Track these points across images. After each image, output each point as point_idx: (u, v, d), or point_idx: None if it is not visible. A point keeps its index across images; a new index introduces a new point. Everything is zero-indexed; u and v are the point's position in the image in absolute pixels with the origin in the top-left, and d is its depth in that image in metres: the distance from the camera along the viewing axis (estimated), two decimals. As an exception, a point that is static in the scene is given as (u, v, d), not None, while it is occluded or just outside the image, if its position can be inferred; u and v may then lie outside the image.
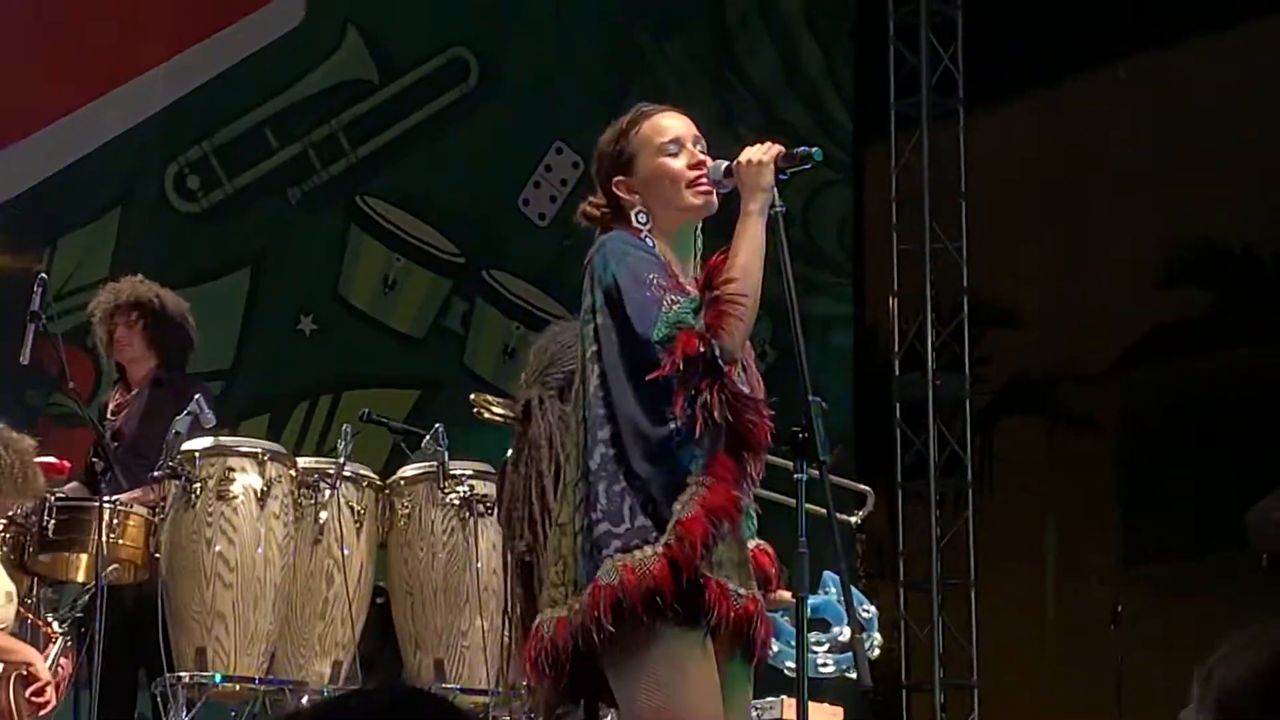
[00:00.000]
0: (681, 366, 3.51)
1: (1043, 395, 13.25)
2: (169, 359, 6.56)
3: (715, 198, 3.78)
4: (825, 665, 6.26)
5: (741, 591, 3.64)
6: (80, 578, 6.10)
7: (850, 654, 5.85)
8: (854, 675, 5.80)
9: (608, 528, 3.54)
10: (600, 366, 3.63)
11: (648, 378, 3.54)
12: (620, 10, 11.40)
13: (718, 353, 3.53)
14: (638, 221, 3.76)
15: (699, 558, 3.51)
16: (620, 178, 3.80)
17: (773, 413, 3.67)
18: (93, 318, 6.61)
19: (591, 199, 3.88)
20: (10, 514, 6.06)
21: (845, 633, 5.91)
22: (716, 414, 3.52)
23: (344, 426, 6.44)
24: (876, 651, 6.16)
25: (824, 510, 3.65)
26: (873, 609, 6.28)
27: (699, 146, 3.81)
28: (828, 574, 5.92)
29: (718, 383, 3.54)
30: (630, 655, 3.52)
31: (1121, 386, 12.92)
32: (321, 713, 1.43)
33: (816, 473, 3.69)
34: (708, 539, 3.52)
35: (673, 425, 3.56)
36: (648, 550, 3.51)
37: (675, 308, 3.57)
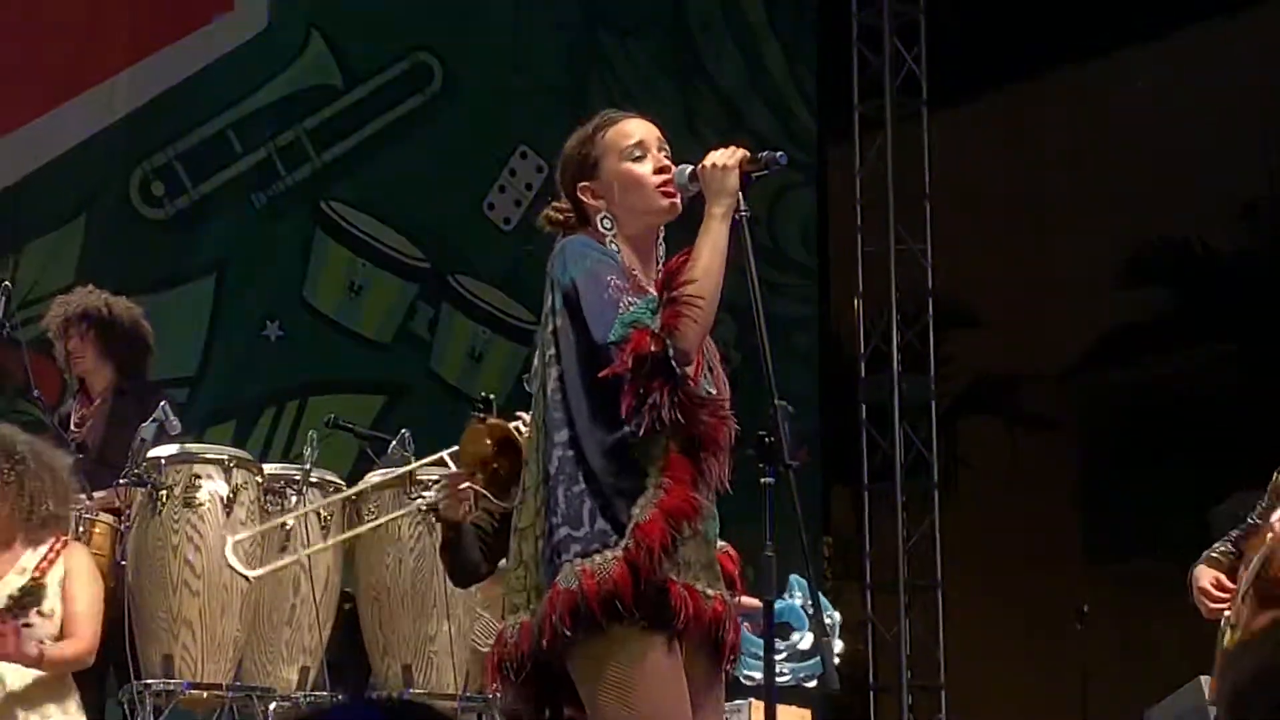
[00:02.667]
0: (630, 364, 3.50)
1: (1005, 396, 13.29)
2: (127, 367, 6.52)
3: (680, 202, 3.78)
4: (782, 675, 6.25)
5: (710, 592, 3.63)
6: (47, 585, 6.07)
7: (808, 663, 5.85)
8: (811, 684, 5.80)
9: (567, 531, 3.53)
10: (559, 369, 3.62)
11: (600, 375, 3.53)
12: (581, 13, 11.39)
13: (671, 353, 3.52)
14: (602, 227, 3.75)
15: (657, 561, 3.49)
16: (585, 183, 3.79)
17: (732, 413, 3.66)
18: (48, 332, 6.57)
19: (555, 204, 3.87)
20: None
21: (806, 640, 5.91)
22: (665, 414, 3.50)
23: (309, 433, 6.42)
24: (838, 659, 6.16)
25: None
26: (836, 614, 6.27)
27: (664, 152, 3.80)
28: (794, 578, 5.92)
29: (669, 383, 3.52)
30: (592, 660, 3.51)
31: (1082, 387, 12.97)
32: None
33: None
34: (666, 542, 3.51)
35: (629, 428, 3.55)
36: (607, 554, 3.50)
37: (632, 308, 3.56)
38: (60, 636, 5.06)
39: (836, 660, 6.11)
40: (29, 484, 5.12)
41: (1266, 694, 1.31)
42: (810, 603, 5.69)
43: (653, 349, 3.50)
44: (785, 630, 6.04)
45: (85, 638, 5.06)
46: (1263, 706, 1.32)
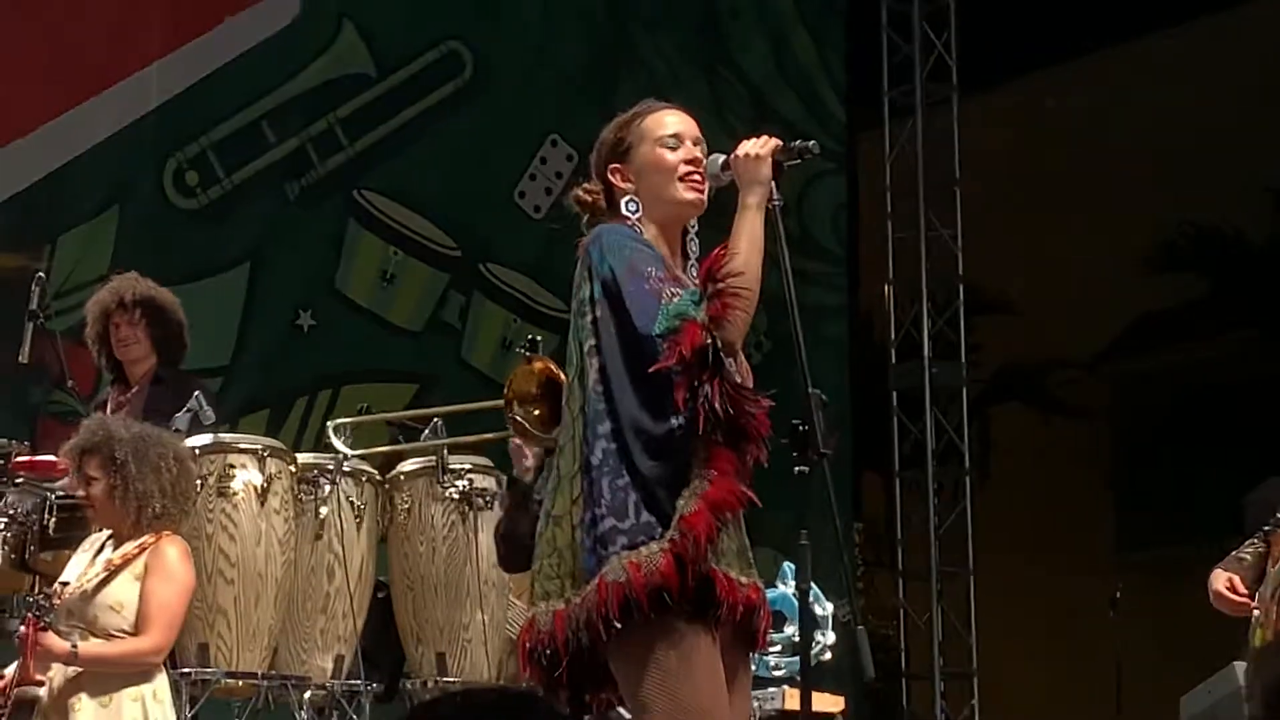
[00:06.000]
0: (688, 358, 3.49)
1: (1036, 382, 13.26)
2: (168, 356, 6.54)
3: (706, 196, 3.77)
4: (778, 669, 6.24)
5: (743, 580, 3.64)
6: (81, 575, 6.08)
7: (798, 658, 5.83)
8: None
9: (613, 523, 3.52)
10: (599, 360, 3.61)
11: (651, 369, 3.52)
12: (609, 5, 11.39)
13: (720, 345, 3.52)
14: (627, 209, 3.74)
15: (703, 553, 3.49)
16: (617, 164, 3.79)
17: (771, 404, 3.66)
18: (90, 315, 6.57)
19: (585, 185, 3.87)
20: (11, 513, 6.05)
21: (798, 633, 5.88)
22: (718, 406, 3.50)
23: (335, 423, 6.43)
24: (828, 654, 6.14)
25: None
26: (828, 606, 6.23)
27: (699, 147, 3.80)
28: (786, 564, 5.89)
29: (718, 375, 3.52)
30: (638, 648, 3.51)
31: (1113, 373, 12.93)
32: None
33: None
34: (712, 533, 3.50)
35: (674, 421, 3.54)
36: (653, 546, 3.49)
37: (676, 300, 3.55)
38: (134, 630, 5.06)
39: (826, 656, 6.10)
40: (134, 486, 5.11)
41: None
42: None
43: (707, 341, 3.50)
44: (779, 621, 6.02)
45: (147, 635, 5.05)
46: None
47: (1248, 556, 5.15)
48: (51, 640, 4.90)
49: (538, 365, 5.13)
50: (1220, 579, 5.12)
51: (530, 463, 5.16)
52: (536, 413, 5.08)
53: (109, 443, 5.14)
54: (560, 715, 1.31)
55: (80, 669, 4.96)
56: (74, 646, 4.93)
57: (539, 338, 5.49)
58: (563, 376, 4.82)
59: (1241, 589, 5.04)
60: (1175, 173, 12.02)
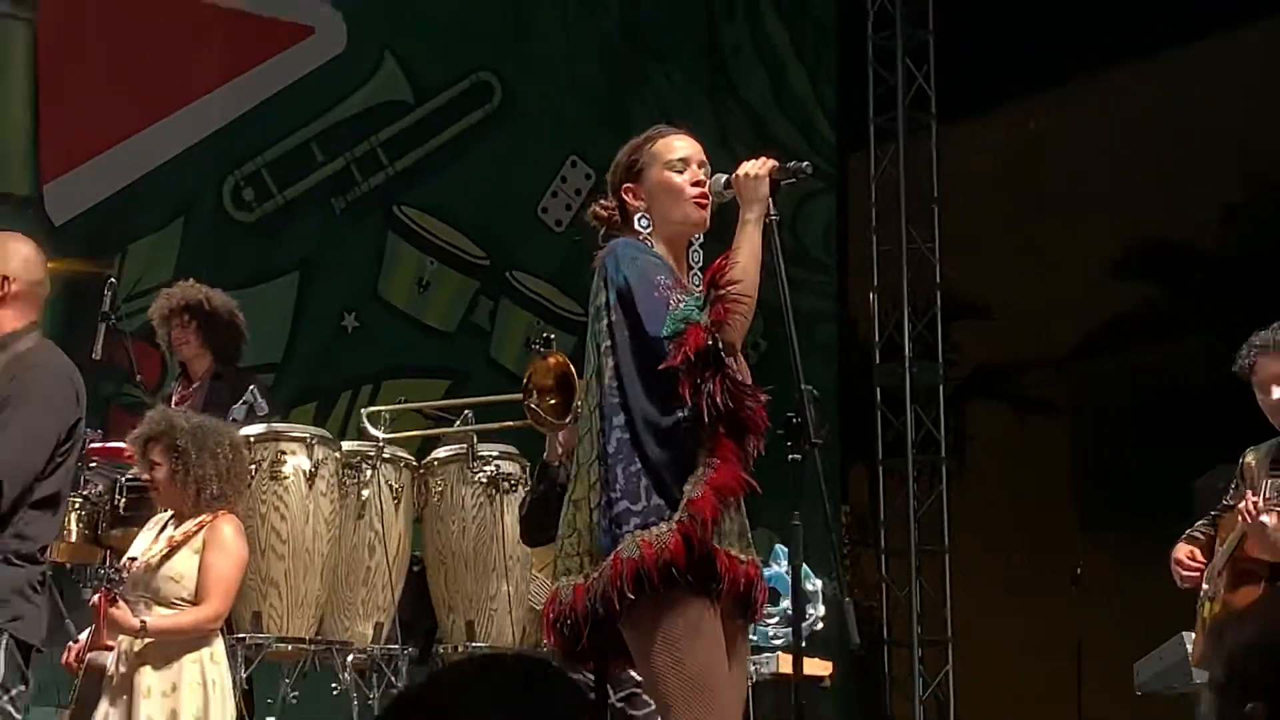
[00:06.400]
0: (692, 358, 3.50)
1: (1007, 381, 13.21)
2: (223, 354, 6.54)
3: (709, 215, 3.78)
4: (777, 638, 6.24)
5: (743, 557, 3.64)
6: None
7: (791, 629, 5.82)
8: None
9: (626, 505, 3.53)
10: (614, 360, 3.62)
11: (660, 367, 3.54)
12: (623, 37, 11.39)
13: (720, 345, 3.53)
14: (639, 225, 3.75)
15: (709, 533, 3.50)
16: (630, 184, 3.80)
17: (769, 398, 3.67)
18: (153, 320, 6.59)
19: (602, 201, 3.88)
20: (85, 493, 6.07)
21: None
22: (720, 401, 3.51)
23: (369, 410, 6.43)
24: (819, 625, 6.13)
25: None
26: (818, 581, 6.23)
27: (704, 170, 3.80)
28: (778, 547, 5.89)
29: (720, 373, 3.53)
30: (648, 619, 3.52)
31: (1078, 373, 12.89)
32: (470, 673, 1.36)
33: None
34: (716, 515, 3.51)
35: (680, 414, 3.55)
36: (663, 527, 3.50)
37: (682, 306, 3.57)
38: (194, 599, 5.07)
39: (819, 627, 6.10)
40: (193, 471, 5.12)
41: (1265, 657, 1.35)
42: (789, 570, 5.71)
43: (709, 342, 3.51)
44: (775, 596, 6.01)
45: (206, 605, 5.06)
46: (1256, 668, 1.36)
47: (1200, 536, 5.15)
48: (122, 616, 4.92)
49: (553, 361, 5.13)
50: (1182, 549, 5.11)
51: (561, 451, 5.17)
52: (552, 403, 5.08)
53: (171, 432, 5.16)
54: (571, 678, 1.29)
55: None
56: (142, 622, 4.95)
57: (552, 335, 5.50)
58: (574, 370, 4.85)
59: (1200, 558, 5.04)
60: (1135, 191, 11.99)
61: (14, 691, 4.19)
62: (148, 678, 4.95)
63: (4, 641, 4.16)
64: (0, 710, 4.16)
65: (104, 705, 4.96)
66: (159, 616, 5.01)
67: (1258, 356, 4.85)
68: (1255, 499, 4.75)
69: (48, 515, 4.27)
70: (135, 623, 4.92)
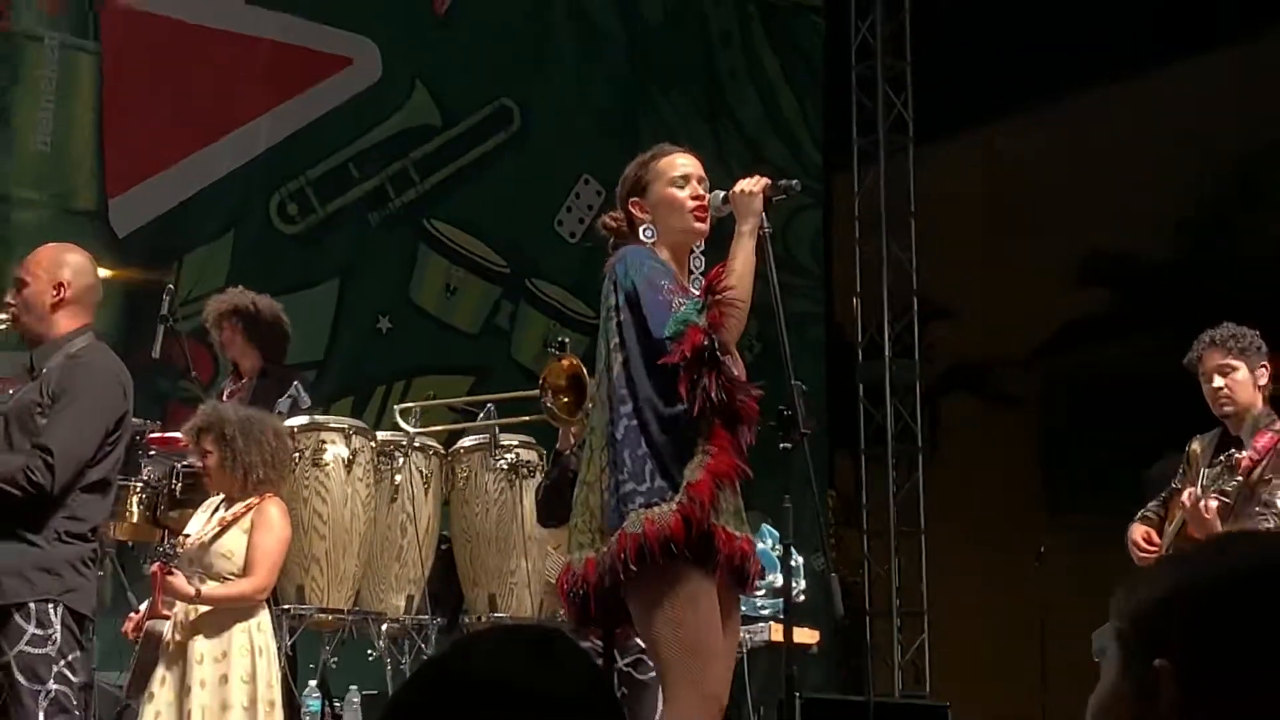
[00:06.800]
0: (689, 356, 3.50)
1: (977, 377, 13.19)
2: (270, 353, 6.54)
3: (707, 225, 3.78)
4: (764, 609, 6.22)
5: (738, 534, 3.64)
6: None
7: (780, 599, 5.81)
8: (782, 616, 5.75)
9: (632, 486, 3.53)
10: (623, 355, 3.62)
11: (659, 362, 3.53)
12: (630, 67, 11.39)
13: (716, 345, 3.52)
14: (645, 235, 3.75)
15: (707, 513, 3.50)
16: (636, 198, 3.80)
17: (761, 393, 3.66)
18: (206, 323, 6.60)
19: (611, 214, 3.88)
20: (145, 479, 6.07)
21: (778, 580, 5.87)
22: (714, 395, 3.50)
23: (401, 406, 6.43)
24: (802, 597, 6.12)
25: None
26: (799, 559, 6.21)
27: (703, 184, 3.80)
28: (765, 527, 5.88)
29: (715, 370, 3.52)
30: (650, 589, 3.52)
31: (1041, 370, 12.87)
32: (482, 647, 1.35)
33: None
34: (713, 497, 3.51)
35: (681, 405, 3.55)
36: (665, 507, 3.50)
37: (682, 308, 3.56)
38: (243, 574, 5.07)
39: (801, 599, 6.08)
40: (240, 458, 5.11)
41: (1175, 612, 1.17)
42: (775, 547, 5.70)
43: (705, 342, 3.51)
44: (760, 571, 5.98)
45: (252, 577, 5.06)
46: (1154, 629, 1.17)
47: (1153, 516, 5.15)
48: (179, 583, 4.92)
49: (566, 362, 5.14)
50: (1139, 531, 5.11)
51: (573, 441, 5.17)
52: (565, 400, 5.10)
53: (220, 423, 5.16)
54: (579, 645, 1.30)
55: (200, 606, 4.99)
56: (197, 589, 4.95)
57: (567, 340, 5.53)
58: (585, 372, 4.86)
59: (1156, 539, 5.05)
60: (1091, 206, 11.97)
61: (70, 657, 4.24)
62: (201, 644, 4.95)
63: (59, 611, 4.21)
64: (59, 674, 4.20)
65: (160, 669, 4.96)
66: (211, 585, 5.01)
67: (1204, 350, 4.92)
68: (1194, 490, 4.78)
69: (98, 498, 4.33)
70: (190, 589, 4.93)
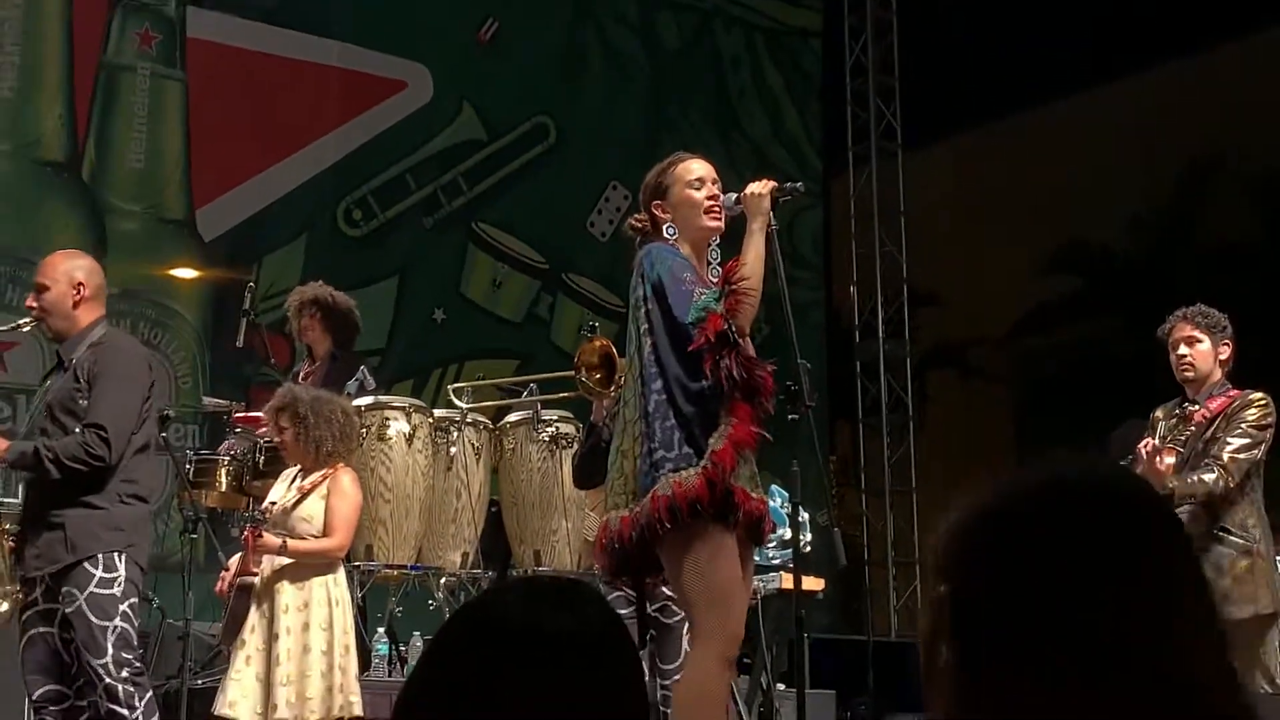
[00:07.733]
0: (712, 339, 3.49)
1: (959, 355, 13.16)
2: (341, 340, 6.54)
3: (723, 223, 3.76)
4: (775, 559, 6.21)
5: (754, 495, 3.63)
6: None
7: (788, 550, 5.78)
8: (791, 565, 5.73)
9: (663, 454, 3.53)
10: (652, 339, 3.62)
11: (689, 349, 3.53)
12: (652, 87, 11.36)
13: (734, 329, 3.51)
14: (667, 234, 3.74)
15: (728, 476, 3.49)
16: (658, 201, 3.78)
17: (774, 368, 3.65)
18: (288, 312, 6.60)
19: (636, 216, 3.86)
20: (232, 453, 6.08)
21: (787, 534, 5.84)
22: (735, 372, 3.50)
23: (454, 387, 6.43)
24: (808, 549, 6.10)
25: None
26: (806, 515, 6.20)
27: (717, 185, 3.78)
28: (774, 487, 5.86)
29: (734, 350, 3.51)
30: (680, 543, 3.51)
31: (1016, 349, 12.83)
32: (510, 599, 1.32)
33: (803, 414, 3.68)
34: (734, 463, 3.50)
35: (705, 380, 3.54)
36: (691, 471, 3.49)
37: (702, 297, 3.55)
38: (321, 535, 5.08)
39: (806, 550, 6.06)
40: (312, 433, 5.11)
41: (958, 541, 0.93)
42: (784, 505, 5.68)
43: (724, 327, 3.50)
44: (772, 527, 5.96)
45: (333, 537, 5.05)
46: (950, 551, 0.94)
47: None
48: (268, 539, 4.94)
49: (597, 343, 5.13)
50: None
51: (605, 414, 5.16)
52: (597, 377, 5.09)
53: (294, 403, 5.17)
54: (597, 591, 1.28)
55: (285, 560, 5.00)
56: (284, 542, 4.97)
57: (597, 324, 5.53)
58: (615, 351, 4.85)
59: None
60: (1060, 203, 11.92)
61: (129, 602, 4.33)
62: (286, 595, 4.97)
63: (124, 559, 4.30)
64: (124, 613, 4.29)
65: (251, 617, 4.97)
66: (295, 541, 5.03)
67: (1175, 323, 4.95)
68: (1153, 440, 4.76)
69: (143, 458, 4.48)
70: (278, 542, 4.94)
